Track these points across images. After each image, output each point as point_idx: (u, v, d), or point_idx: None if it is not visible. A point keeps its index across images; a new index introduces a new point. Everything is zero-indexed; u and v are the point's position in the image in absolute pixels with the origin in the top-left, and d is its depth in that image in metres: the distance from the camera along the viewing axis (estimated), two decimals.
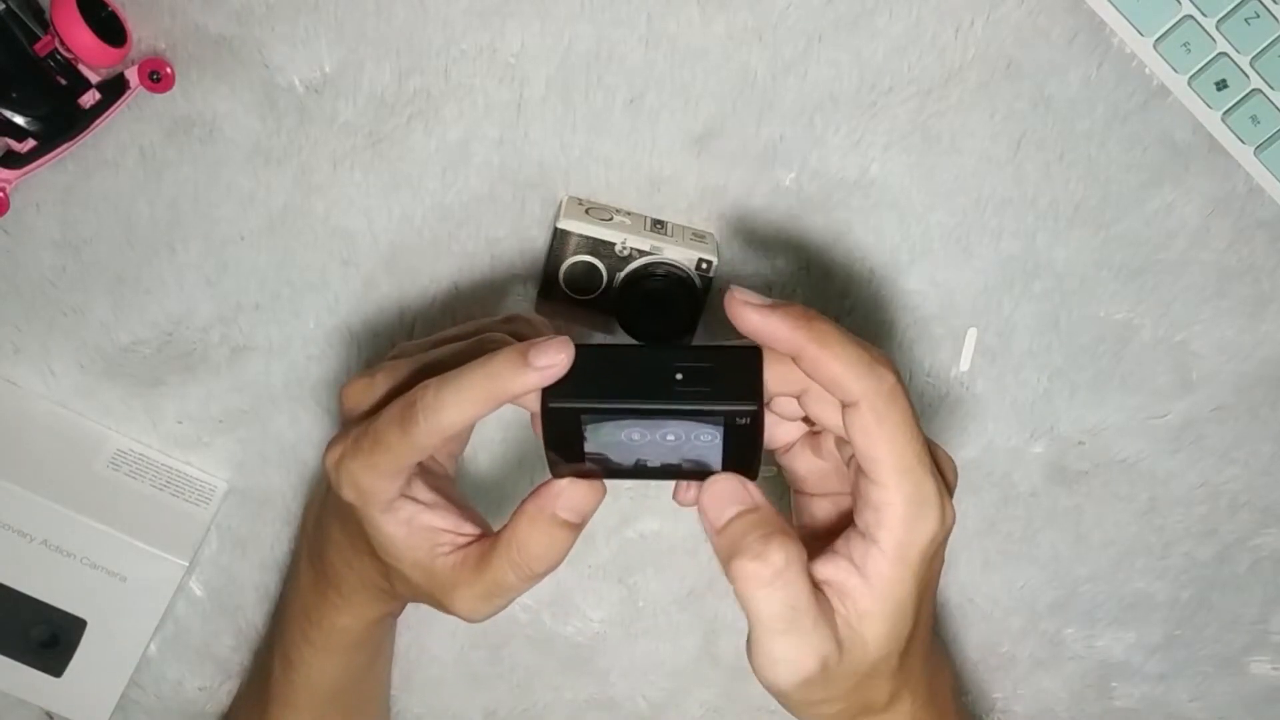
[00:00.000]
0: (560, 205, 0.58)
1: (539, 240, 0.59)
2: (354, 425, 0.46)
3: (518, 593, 0.47)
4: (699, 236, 0.58)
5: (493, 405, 0.43)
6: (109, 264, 0.59)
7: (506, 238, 0.59)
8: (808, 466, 0.48)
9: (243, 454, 0.63)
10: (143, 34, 0.55)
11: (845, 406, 0.42)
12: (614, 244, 0.56)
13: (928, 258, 0.60)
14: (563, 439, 0.43)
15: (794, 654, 0.43)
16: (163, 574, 0.59)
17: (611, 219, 0.57)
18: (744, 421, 0.42)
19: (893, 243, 0.59)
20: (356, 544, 0.50)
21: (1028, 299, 0.60)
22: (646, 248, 0.56)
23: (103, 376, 0.61)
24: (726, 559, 0.43)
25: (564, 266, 0.57)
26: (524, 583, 0.46)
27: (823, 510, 0.49)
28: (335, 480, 0.46)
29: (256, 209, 0.58)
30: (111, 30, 0.53)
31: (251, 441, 0.63)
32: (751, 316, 0.42)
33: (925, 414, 0.62)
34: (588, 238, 0.56)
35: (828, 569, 0.44)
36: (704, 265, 0.56)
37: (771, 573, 0.42)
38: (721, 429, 0.42)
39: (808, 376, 0.43)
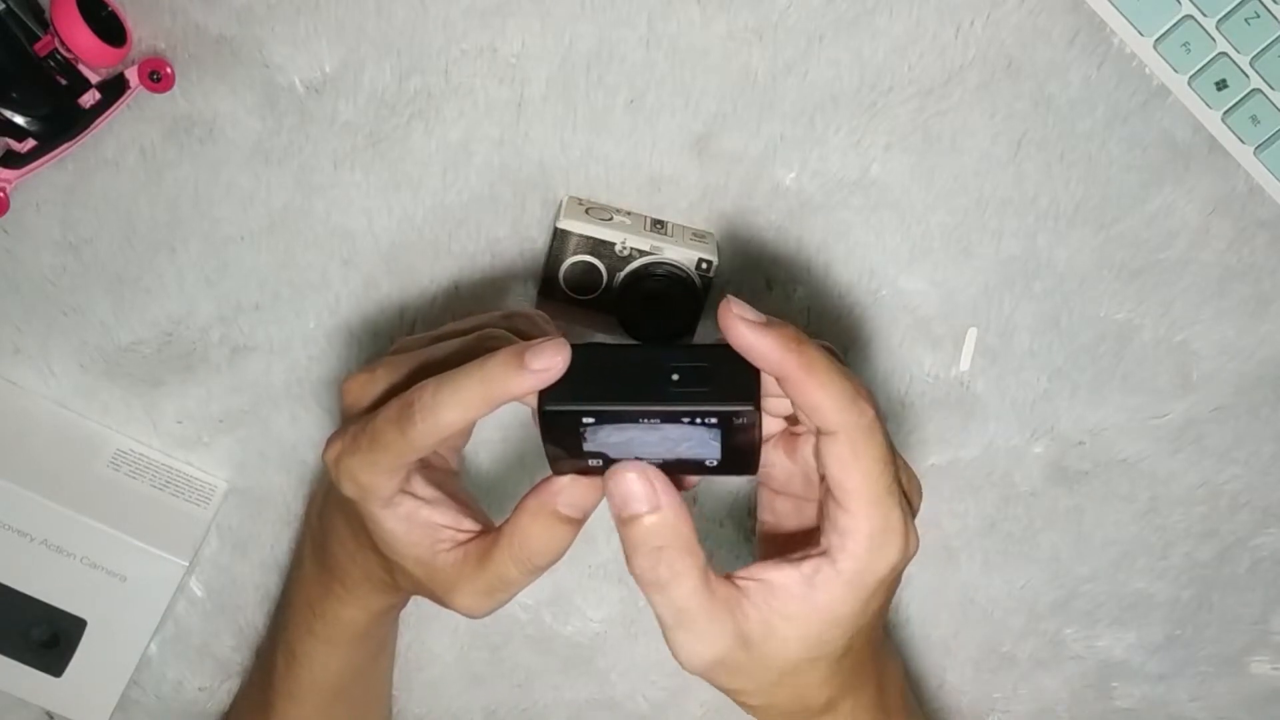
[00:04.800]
0: (560, 205, 0.58)
1: (539, 240, 0.59)
2: (353, 421, 0.46)
3: (519, 588, 0.47)
4: (699, 236, 0.58)
5: (489, 407, 0.43)
6: (109, 264, 0.59)
7: (506, 238, 0.59)
8: (780, 465, 0.49)
9: (243, 454, 0.63)
10: (143, 34, 0.55)
11: (822, 434, 0.43)
12: (614, 244, 0.56)
13: (928, 258, 0.60)
14: (561, 439, 0.43)
15: (690, 646, 0.44)
16: (163, 574, 0.59)
17: (611, 219, 0.57)
18: (741, 421, 0.42)
19: (893, 243, 0.59)
20: (359, 538, 0.50)
21: (1028, 299, 0.60)
22: (646, 248, 0.56)
23: (103, 376, 0.61)
24: (625, 553, 0.44)
25: (564, 266, 0.57)
26: (525, 577, 0.47)
27: (785, 510, 0.49)
28: (335, 476, 0.46)
29: (257, 209, 0.58)
30: (111, 30, 0.53)
31: (251, 441, 0.63)
32: (744, 332, 0.42)
33: (925, 414, 0.62)
34: (588, 238, 0.56)
35: (772, 572, 0.44)
36: (704, 265, 0.56)
37: (663, 580, 0.43)
38: (719, 429, 0.43)
39: (790, 399, 0.43)
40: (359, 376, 0.48)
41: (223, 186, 0.58)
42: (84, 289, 0.60)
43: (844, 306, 0.60)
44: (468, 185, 0.58)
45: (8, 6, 0.51)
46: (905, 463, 0.46)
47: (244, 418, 0.62)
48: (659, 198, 0.59)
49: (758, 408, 0.42)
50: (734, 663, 0.45)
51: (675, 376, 0.42)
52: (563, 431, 0.43)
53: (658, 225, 0.58)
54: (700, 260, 0.56)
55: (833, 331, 0.60)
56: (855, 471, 0.42)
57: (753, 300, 0.57)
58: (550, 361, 0.42)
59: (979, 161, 0.58)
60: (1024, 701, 0.68)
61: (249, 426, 0.62)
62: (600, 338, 0.59)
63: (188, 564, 0.59)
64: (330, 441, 0.47)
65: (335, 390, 0.62)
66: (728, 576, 0.45)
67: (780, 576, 0.44)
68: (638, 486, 0.44)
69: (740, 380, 0.43)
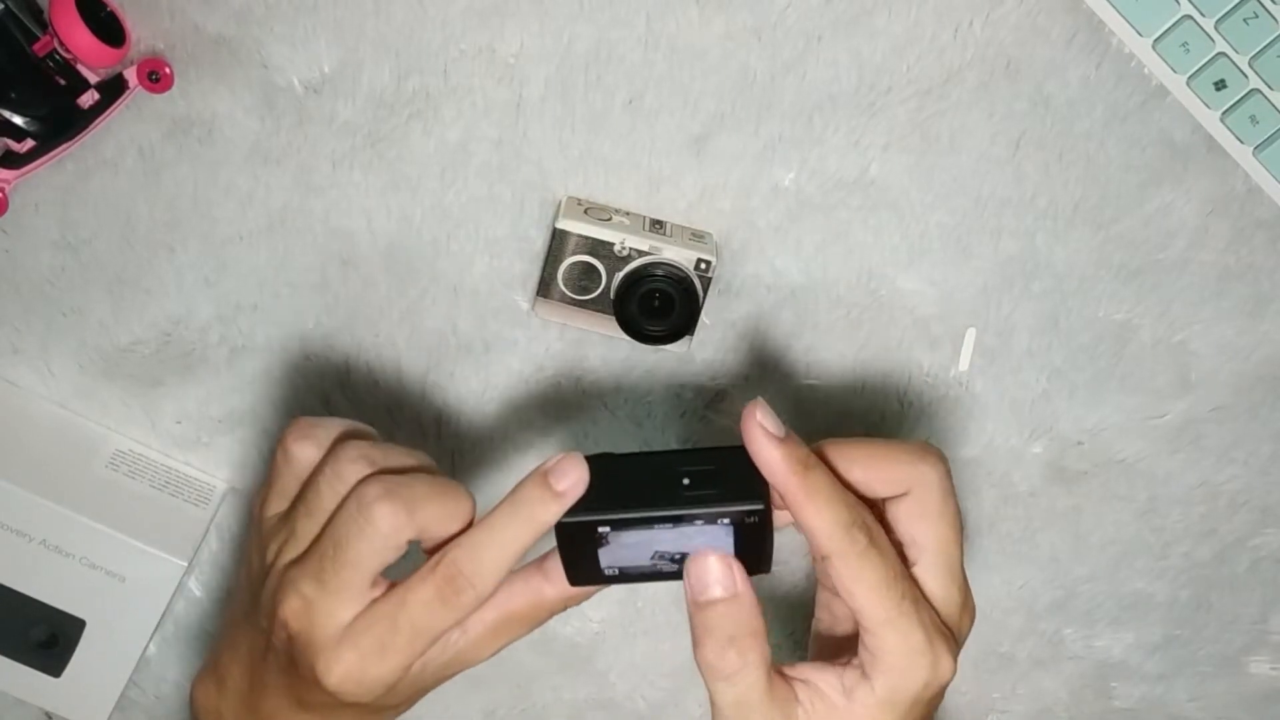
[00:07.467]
0: (559, 205, 0.58)
1: (538, 240, 0.59)
2: (348, 638, 0.44)
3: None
4: (698, 236, 0.58)
5: (533, 541, 0.44)
6: (108, 264, 0.59)
7: (505, 238, 0.59)
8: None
9: (242, 454, 0.63)
10: (142, 34, 0.55)
11: (820, 557, 0.44)
12: (613, 244, 0.56)
13: (927, 258, 0.60)
14: (578, 549, 0.45)
15: None
16: (162, 574, 0.59)
17: (610, 219, 0.57)
18: (753, 520, 0.43)
19: (892, 243, 0.59)
20: None
21: (1027, 299, 0.60)
22: (645, 248, 0.56)
23: (102, 376, 0.61)
24: (696, 639, 0.45)
25: (563, 266, 0.57)
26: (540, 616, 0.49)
27: (842, 612, 0.49)
28: (356, 694, 0.45)
29: (256, 209, 0.58)
30: (110, 30, 0.53)
31: (251, 441, 0.63)
32: (760, 441, 0.43)
33: (924, 415, 0.62)
34: (586, 238, 0.56)
35: (819, 676, 0.45)
36: (703, 265, 0.56)
37: (730, 671, 0.44)
38: (732, 528, 0.44)
39: (790, 514, 0.44)
40: (297, 620, 0.44)
41: (221, 187, 0.58)
42: (83, 289, 0.60)
43: (843, 306, 0.60)
44: (466, 186, 0.58)
45: (6, 7, 0.51)
46: (963, 590, 0.46)
47: (244, 418, 0.62)
48: (658, 198, 0.59)
49: (768, 506, 0.43)
50: None
51: (686, 480, 0.44)
52: (580, 541, 0.44)
53: (656, 225, 0.58)
54: (699, 260, 0.56)
55: (832, 332, 0.60)
56: (858, 594, 0.43)
57: (751, 302, 0.57)
58: (575, 478, 0.43)
59: (977, 161, 0.58)
60: (1023, 701, 0.68)
61: (248, 426, 0.62)
62: (599, 339, 0.59)
63: (187, 564, 0.59)
64: (329, 669, 0.44)
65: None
66: (779, 672, 0.45)
67: (825, 682, 0.45)
68: (718, 570, 0.44)
69: (750, 481, 0.43)
